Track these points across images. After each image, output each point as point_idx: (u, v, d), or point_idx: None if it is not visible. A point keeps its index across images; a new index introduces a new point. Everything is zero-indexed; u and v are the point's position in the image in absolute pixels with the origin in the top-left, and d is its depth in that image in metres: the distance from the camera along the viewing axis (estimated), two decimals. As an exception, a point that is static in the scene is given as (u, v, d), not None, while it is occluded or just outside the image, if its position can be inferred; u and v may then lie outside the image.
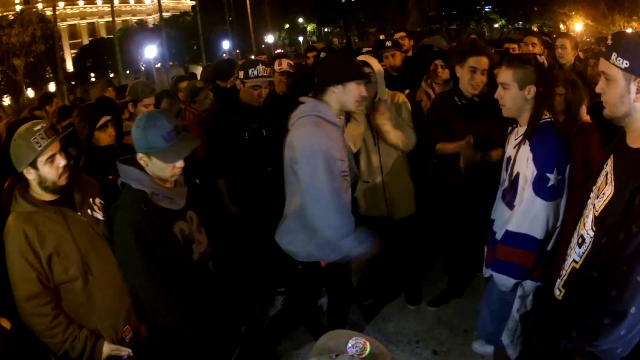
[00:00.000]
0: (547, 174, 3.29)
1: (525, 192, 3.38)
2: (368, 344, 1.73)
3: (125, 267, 3.23)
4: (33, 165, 2.99)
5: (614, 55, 2.40)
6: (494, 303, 3.89)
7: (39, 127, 3.01)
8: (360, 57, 4.79)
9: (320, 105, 3.67)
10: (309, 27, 67.35)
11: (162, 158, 3.12)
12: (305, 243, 3.85)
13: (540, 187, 3.31)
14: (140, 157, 3.16)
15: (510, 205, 3.56)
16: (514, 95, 3.42)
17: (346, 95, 3.64)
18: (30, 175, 3.03)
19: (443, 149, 4.84)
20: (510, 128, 3.76)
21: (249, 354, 4.04)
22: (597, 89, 2.57)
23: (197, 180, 4.76)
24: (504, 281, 3.56)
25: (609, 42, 2.48)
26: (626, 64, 2.36)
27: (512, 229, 3.45)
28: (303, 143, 3.63)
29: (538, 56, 3.67)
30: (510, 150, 3.63)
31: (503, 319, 3.79)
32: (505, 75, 3.44)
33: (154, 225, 3.16)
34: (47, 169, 3.01)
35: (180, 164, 3.20)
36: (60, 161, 3.05)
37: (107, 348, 3.20)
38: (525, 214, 3.38)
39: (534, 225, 3.36)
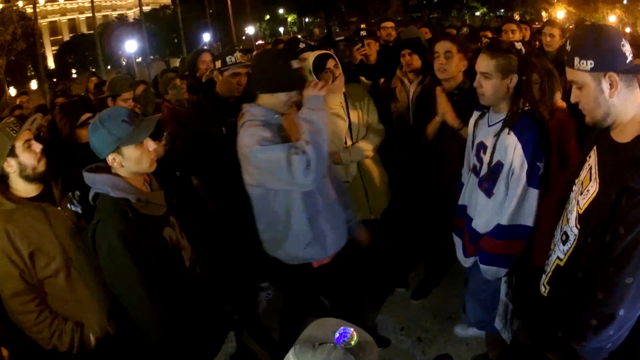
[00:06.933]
0: (538, 163, 3.28)
1: (517, 184, 3.34)
2: (356, 334, 1.74)
3: (118, 283, 2.95)
4: (12, 154, 3.02)
5: (576, 60, 2.35)
6: (481, 292, 3.89)
7: (10, 119, 3.10)
8: (316, 53, 4.75)
9: (255, 109, 3.54)
10: (290, 18, 67.10)
11: (133, 140, 2.88)
12: (282, 245, 3.74)
13: (532, 177, 3.30)
14: (113, 159, 2.91)
15: (489, 193, 3.53)
16: (496, 84, 3.36)
17: (275, 100, 3.51)
18: (11, 167, 3.05)
19: (431, 130, 4.67)
20: (478, 113, 3.74)
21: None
22: (572, 99, 2.50)
23: (177, 173, 4.74)
24: (495, 272, 3.57)
25: (568, 47, 2.42)
26: (591, 64, 2.30)
27: (507, 222, 3.42)
28: (240, 150, 3.49)
29: (516, 43, 3.63)
30: (483, 136, 3.60)
31: (493, 306, 3.80)
32: (487, 64, 3.36)
33: (145, 234, 2.94)
34: (26, 155, 3.04)
35: (152, 145, 3.00)
36: (37, 146, 3.08)
37: (93, 337, 3.22)
38: (519, 206, 3.36)
39: (527, 215, 3.36)
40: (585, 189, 2.50)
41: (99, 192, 2.96)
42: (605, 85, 2.32)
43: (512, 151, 3.32)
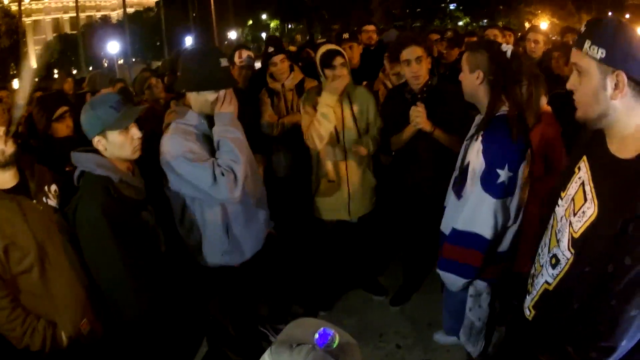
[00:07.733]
0: (497, 170, 3.14)
1: (473, 187, 3.27)
2: (337, 335, 1.66)
3: (97, 256, 3.14)
4: None
5: (587, 44, 2.06)
6: (450, 302, 3.84)
7: None
8: (328, 47, 4.69)
9: (183, 111, 3.46)
10: (273, 24, 67.30)
11: (116, 126, 3.09)
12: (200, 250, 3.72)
13: (489, 183, 3.17)
14: (98, 141, 3.13)
15: (458, 195, 3.47)
16: (465, 78, 3.34)
17: (201, 100, 3.40)
18: None
19: (397, 141, 4.71)
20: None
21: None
22: (569, 86, 2.21)
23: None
24: (453, 280, 3.48)
25: (583, 28, 2.12)
26: (602, 53, 2.01)
27: (460, 227, 3.34)
28: (162, 154, 3.39)
29: (503, 45, 3.58)
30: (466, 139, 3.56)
31: (460, 316, 3.74)
32: (462, 58, 3.38)
33: (125, 212, 3.14)
34: None
35: (137, 134, 3.18)
36: None
37: (65, 336, 3.15)
38: (473, 211, 3.27)
39: (482, 224, 3.24)
40: (580, 210, 2.23)
41: (83, 171, 3.15)
42: (609, 83, 2.04)
43: (475, 153, 3.27)
